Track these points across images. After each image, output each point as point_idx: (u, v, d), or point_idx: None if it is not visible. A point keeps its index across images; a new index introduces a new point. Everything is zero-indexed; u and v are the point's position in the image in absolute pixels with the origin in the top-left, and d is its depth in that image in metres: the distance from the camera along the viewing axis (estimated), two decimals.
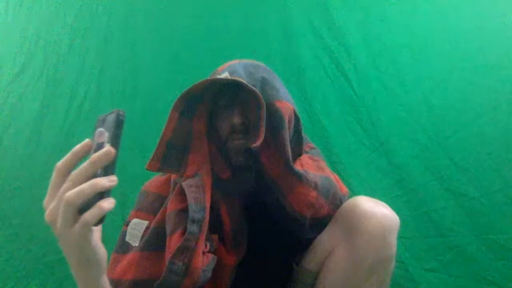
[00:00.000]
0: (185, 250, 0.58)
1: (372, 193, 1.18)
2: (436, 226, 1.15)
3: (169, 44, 1.42)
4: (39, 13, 1.50)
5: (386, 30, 1.31)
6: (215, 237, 0.66)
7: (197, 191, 0.63)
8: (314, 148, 0.82)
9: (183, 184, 0.64)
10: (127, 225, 0.71)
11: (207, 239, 0.63)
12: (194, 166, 0.67)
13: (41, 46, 1.47)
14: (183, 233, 0.61)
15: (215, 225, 0.67)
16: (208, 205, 0.63)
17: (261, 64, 0.76)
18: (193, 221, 0.60)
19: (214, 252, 0.65)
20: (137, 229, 0.70)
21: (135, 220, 0.71)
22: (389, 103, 1.26)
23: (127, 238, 0.69)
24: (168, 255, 0.60)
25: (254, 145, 0.61)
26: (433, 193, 1.17)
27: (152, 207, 0.72)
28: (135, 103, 1.38)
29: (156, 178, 0.79)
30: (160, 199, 0.73)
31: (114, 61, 1.43)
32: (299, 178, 0.67)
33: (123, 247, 0.69)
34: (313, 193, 0.67)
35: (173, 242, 0.60)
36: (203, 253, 0.61)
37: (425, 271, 1.12)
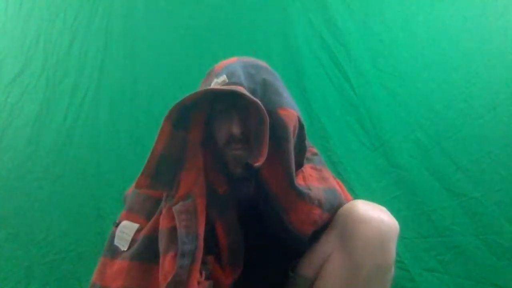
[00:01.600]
0: (177, 284, 0.56)
1: (372, 193, 1.19)
2: (436, 226, 1.14)
3: (169, 44, 1.42)
4: (39, 13, 1.50)
5: (386, 30, 1.31)
6: (211, 259, 0.63)
7: (189, 218, 0.60)
8: (316, 154, 0.78)
9: (174, 210, 0.60)
10: (116, 226, 0.68)
11: (202, 266, 0.60)
12: (186, 185, 0.63)
13: (41, 46, 1.47)
14: (176, 255, 0.58)
15: (211, 243, 0.64)
16: (201, 232, 0.60)
17: (262, 63, 0.72)
18: (183, 254, 0.57)
19: (210, 275, 0.62)
20: (126, 232, 0.66)
21: (124, 223, 0.68)
22: (389, 103, 1.26)
23: (116, 242, 0.66)
24: (161, 276, 0.57)
25: (256, 164, 0.57)
26: (433, 193, 1.17)
27: (143, 208, 0.69)
28: (135, 104, 1.38)
29: None
30: (152, 199, 0.70)
31: (114, 61, 1.43)
32: (302, 197, 0.63)
33: (111, 251, 0.66)
34: (317, 211, 0.64)
35: (166, 264, 0.58)
36: (199, 282, 0.58)
37: (425, 271, 1.12)
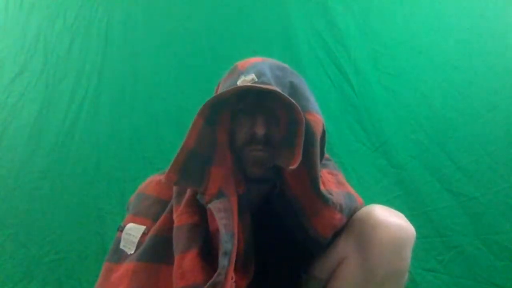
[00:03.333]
0: (216, 286, 0.53)
1: (372, 193, 1.19)
2: (436, 226, 1.15)
3: (169, 44, 1.42)
4: (39, 13, 1.50)
5: (386, 29, 1.31)
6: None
7: (227, 217, 0.57)
8: (329, 159, 0.78)
9: (212, 207, 0.58)
10: (121, 230, 0.66)
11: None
12: (217, 182, 0.61)
13: (41, 46, 1.47)
14: (199, 253, 0.57)
15: None
16: (236, 231, 0.58)
17: (286, 65, 0.70)
18: (225, 254, 0.54)
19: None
20: (132, 234, 0.64)
21: (130, 225, 0.66)
22: (389, 103, 1.26)
23: (122, 245, 0.64)
24: (177, 275, 0.56)
25: (291, 167, 0.55)
26: (433, 193, 1.17)
27: (150, 211, 0.68)
28: (135, 103, 1.38)
29: (154, 179, 0.74)
30: (159, 202, 0.68)
31: (114, 61, 1.43)
32: (326, 202, 0.63)
33: (117, 255, 0.64)
34: (338, 215, 0.64)
35: (187, 263, 0.56)
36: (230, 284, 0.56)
37: (425, 271, 1.12)
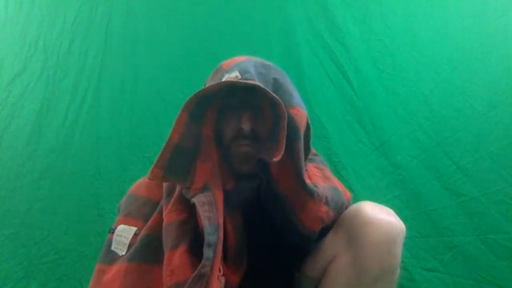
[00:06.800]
0: (201, 278, 0.53)
1: (372, 193, 1.19)
2: (436, 226, 1.15)
3: (169, 44, 1.42)
4: (39, 13, 1.50)
5: (386, 30, 1.31)
6: (222, 256, 0.61)
7: (210, 210, 0.58)
8: (316, 154, 0.79)
9: (195, 201, 0.58)
10: (113, 232, 0.66)
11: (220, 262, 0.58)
12: (202, 176, 0.61)
13: (41, 46, 1.47)
14: (188, 249, 0.57)
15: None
16: (221, 224, 0.58)
17: (271, 63, 0.71)
18: (209, 245, 0.55)
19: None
20: (124, 236, 0.64)
21: (121, 226, 0.66)
22: (389, 103, 1.26)
23: (113, 247, 0.64)
24: (167, 272, 0.56)
25: (274, 159, 0.56)
26: (433, 193, 1.17)
27: (141, 212, 0.68)
28: (135, 103, 1.38)
29: (145, 180, 0.73)
30: (150, 203, 0.68)
31: (114, 61, 1.43)
32: (311, 194, 0.63)
33: (109, 257, 0.64)
34: (324, 208, 0.64)
35: (176, 259, 0.56)
36: (217, 277, 0.57)
37: (425, 270, 1.12)
